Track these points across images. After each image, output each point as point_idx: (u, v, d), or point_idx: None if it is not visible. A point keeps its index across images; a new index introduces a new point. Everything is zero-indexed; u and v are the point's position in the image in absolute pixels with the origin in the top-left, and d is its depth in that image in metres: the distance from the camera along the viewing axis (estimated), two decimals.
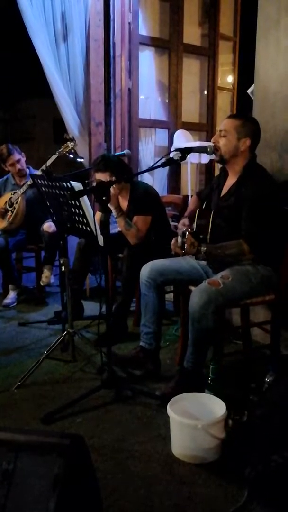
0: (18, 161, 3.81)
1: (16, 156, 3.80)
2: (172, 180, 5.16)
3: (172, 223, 3.50)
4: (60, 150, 3.53)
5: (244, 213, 2.28)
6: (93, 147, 4.31)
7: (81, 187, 2.33)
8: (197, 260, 2.41)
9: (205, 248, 2.16)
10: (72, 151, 3.54)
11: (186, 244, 2.09)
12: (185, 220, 2.58)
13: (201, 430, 1.79)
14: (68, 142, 3.52)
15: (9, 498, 1.11)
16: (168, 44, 4.90)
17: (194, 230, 2.19)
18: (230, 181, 2.45)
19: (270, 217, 2.29)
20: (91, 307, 3.55)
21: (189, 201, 2.99)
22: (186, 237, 2.10)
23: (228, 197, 2.40)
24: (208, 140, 5.14)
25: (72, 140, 3.55)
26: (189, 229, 2.11)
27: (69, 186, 2.34)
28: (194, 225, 2.45)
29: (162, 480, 1.75)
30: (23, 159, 3.86)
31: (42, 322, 3.43)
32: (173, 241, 2.32)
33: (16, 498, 1.11)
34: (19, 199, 3.73)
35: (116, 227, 3.21)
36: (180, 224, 2.59)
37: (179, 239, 2.12)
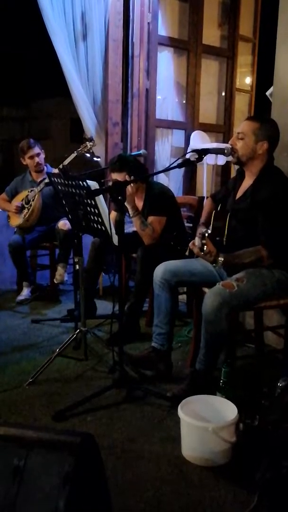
0: (38, 155, 3.86)
1: (37, 150, 3.85)
2: (187, 181, 5.14)
3: (186, 224, 3.49)
4: (79, 150, 3.57)
5: (261, 217, 2.26)
6: (110, 147, 4.32)
7: (97, 186, 2.33)
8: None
9: (222, 258, 2.14)
10: (90, 151, 3.57)
11: (205, 246, 2.07)
12: (201, 228, 2.56)
13: (212, 433, 1.78)
14: (87, 142, 3.55)
15: (19, 494, 1.11)
16: (187, 45, 4.88)
17: (210, 232, 2.18)
18: (247, 183, 2.43)
19: (286, 220, 2.26)
20: (103, 306, 3.56)
21: (204, 203, 2.97)
22: (206, 239, 2.09)
23: (244, 199, 2.39)
24: (225, 141, 5.11)
25: (90, 140, 3.58)
26: (208, 231, 2.09)
27: (85, 185, 2.35)
28: (210, 227, 2.43)
29: (171, 482, 1.75)
30: (43, 156, 3.91)
31: (55, 319, 3.45)
32: (190, 244, 2.30)
33: (26, 495, 1.11)
34: (36, 197, 3.76)
35: (131, 226, 3.21)
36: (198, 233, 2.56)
37: (197, 240, 2.11)
